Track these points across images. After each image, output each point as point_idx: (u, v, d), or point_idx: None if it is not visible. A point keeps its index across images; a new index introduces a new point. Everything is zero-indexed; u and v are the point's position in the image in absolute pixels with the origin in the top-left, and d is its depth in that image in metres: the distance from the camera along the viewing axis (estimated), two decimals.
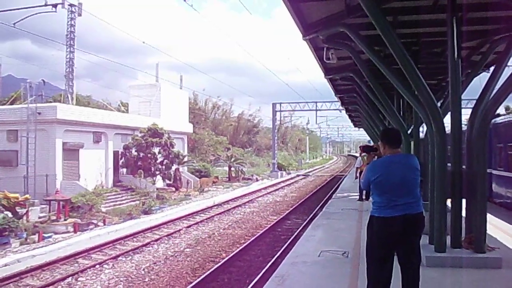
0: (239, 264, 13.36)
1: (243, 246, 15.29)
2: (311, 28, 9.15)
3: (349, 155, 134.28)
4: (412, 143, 13.10)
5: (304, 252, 8.72)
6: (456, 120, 7.69)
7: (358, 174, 19.20)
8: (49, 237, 17.72)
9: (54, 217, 20.61)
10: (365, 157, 7.33)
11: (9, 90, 43.46)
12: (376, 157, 5.70)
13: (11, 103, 34.27)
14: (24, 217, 19.57)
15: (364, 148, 6.42)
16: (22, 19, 25.50)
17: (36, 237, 17.47)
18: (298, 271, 7.33)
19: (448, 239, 7.46)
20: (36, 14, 26.40)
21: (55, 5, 25.75)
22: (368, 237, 5.15)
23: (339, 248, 8.86)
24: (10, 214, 18.63)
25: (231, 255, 14.12)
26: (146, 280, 12.49)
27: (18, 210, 19.50)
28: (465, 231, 7.66)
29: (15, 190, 21.27)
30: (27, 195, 21.33)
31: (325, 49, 10.60)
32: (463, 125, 8.48)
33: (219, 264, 13.05)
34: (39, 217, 20.88)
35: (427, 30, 9.40)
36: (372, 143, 24.91)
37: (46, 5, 25.64)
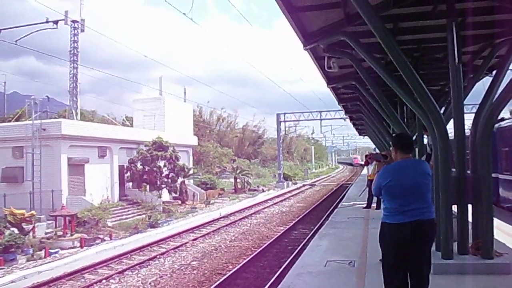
0: (245, 276, 13.29)
1: (249, 258, 15.21)
2: (312, 37, 9.16)
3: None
4: (416, 149, 13.04)
5: (310, 262, 8.64)
6: (459, 125, 7.64)
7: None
8: (56, 252, 17.73)
9: (61, 233, 20.63)
10: (376, 166, 7.29)
11: (14, 107, 43.68)
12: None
13: (16, 120, 34.49)
14: (31, 233, 19.59)
15: (375, 156, 6.37)
16: (24, 37, 25.71)
17: (42, 253, 17.49)
18: (303, 282, 7.26)
19: (455, 246, 7.37)
20: (38, 31, 26.59)
21: (56, 22, 25.91)
22: (380, 245, 5.10)
23: (345, 257, 8.77)
24: (16, 231, 18.69)
25: (238, 267, 14.05)
26: None
27: (24, 226, 19.54)
28: (472, 237, 7.58)
29: (21, 206, 21.35)
30: (33, 211, 21.40)
31: (326, 58, 10.60)
32: (467, 130, 8.41)
33: (226, 276, 12.97)
34: (46, 233, 20.88)
35: (428, 36, 9.39)
36: (377, 151, 24.83)
37: (47, 22, 25.81)
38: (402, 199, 4.83)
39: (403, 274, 4.89)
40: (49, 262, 16.38)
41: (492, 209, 7.48)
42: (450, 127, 8.15)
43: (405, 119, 14.59)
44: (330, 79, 14.07)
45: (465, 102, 8.57)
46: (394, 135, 7.15)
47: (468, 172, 7.83)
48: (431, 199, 5.08)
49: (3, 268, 15.66)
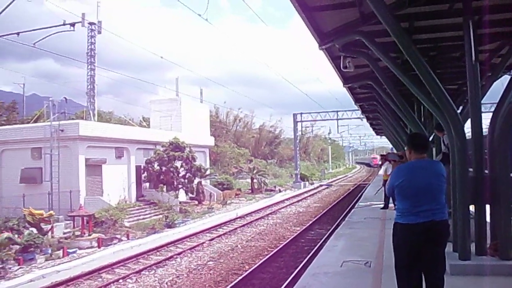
0: (262, 276, 13.29)
1: (266, 258, 15.21)
2: (327, 37, 9.11)
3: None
4: (434, 149, 12.92)
5: (325, 263, 8.59)
6: (476, 124, 7.54)
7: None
8: (74, 252, 17.88)
9: (78, 233, 20.82)
10: (391, 166, 7.23)
11: (33, 108, 44.13)
12: None
13: (35, 121, 34.80)
14: (49, 233, 19.77)
15: (390, 156, 6.30)
16: (42, 39, 25.96)
17: (60, 252, 17.66)
18: (319, 282, 7.22)
19: (473, 246, 7.28)
20: (55, 33, 26.83)
21: (73, 24, 26.12)
22: (393, 246, 5.05)
23: (361, 257, 8.70)
24: (35, 231, 18.90)
25: (254, 267, 14.07)
26: None
27: (43, 226, 19.73)
28: (490, 238, 7.48)
29: (40, 207, 21.57)
30: (51, 212, 21.58)
31: (342, 57, 10.54)
32: (485, 129, 8.30)
33: (242, 276, 12.99)
34: (64, 233, 21.10)
35: (444, 34, 9.29)
36: (395, 151, 24.64)
37: (64, 24, 26.04)
38: (414, 199, 4.77)
39: (416, 276, 4.83)
40: (67, 261, 16.55)
41: (510, 210, 7.36)
42: (469, 126, 8.05)
43: (422, 119, 14.45)
44: (346, 79, 13.99)
45: (483, 101, 8.48)
46: (409, 135, 7.06)
47: (486, 171, 7.73)
48: (445, 201, 4.98)
49: (22, 267, 15.86)
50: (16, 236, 17.73)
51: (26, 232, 18.25)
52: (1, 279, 14.47)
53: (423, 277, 4.86)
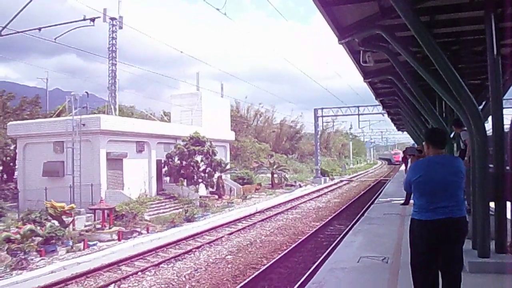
0: (280, 271, 13.29)
1: (284, 253, 15.20)
2: (346, 31, 9.04)
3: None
4: (455, 145, 12.76)
5: (343, 258, 8.54)
6: (498, 120, 7.40)
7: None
8: (94, 245, 18.09)
9: (99, 226, 21.03)
10: (410, 160, 7.15)
11: (56, 103, 44.64)
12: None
13: (57, 116, 35.20)
14: (70, 226, 20.01)
15: (409, 150, 6.23)
16: (62, 34, 26.10)
17: (81, 245, 17.88)
18: (335, 278, 7.19)
19: (492, 244, 7.16)
20: (75, 29, 26.96)
21: (93, 19, 26.23)
22: (410, 242, 4.98)
23: (379, 253, 8.63)
24: (57, 223, 19.15)
25: (272, 261, 14.06)
26: (187, 287, 12.60)
27: (64, 219, 19.97)
28: (510, 236, 7.35)
29: (62, 200, 21.85)
30: (73, 205, 21.86)
31: (361, 52, 10.45)
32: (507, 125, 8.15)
33: (260, 271, 13.01)
34: (85, 226, 21.36)
35: (466, 28, 9.11)
36: (416, 146, 24.40)
37: (84, 19, 26.18)
38: (430, 196, 4.68)
39: (433, 273, 4.75)
40: (87, 254, 16.77)
41: None
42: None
43: (444, 114, 14.28)
44: (366, 74, 13.89)
45: (506, 97, 8.32)
46: (427, 129, 6.95)
47: (507, 168, 7.60)
48: (463, 197, 4.87)
49: (44, 259, 16.13)
50: (39, 228, 17.98)
51: (48, 224, 18.47)
52: (24, 270, 14.71)
53: (439, 274, 4.80)
